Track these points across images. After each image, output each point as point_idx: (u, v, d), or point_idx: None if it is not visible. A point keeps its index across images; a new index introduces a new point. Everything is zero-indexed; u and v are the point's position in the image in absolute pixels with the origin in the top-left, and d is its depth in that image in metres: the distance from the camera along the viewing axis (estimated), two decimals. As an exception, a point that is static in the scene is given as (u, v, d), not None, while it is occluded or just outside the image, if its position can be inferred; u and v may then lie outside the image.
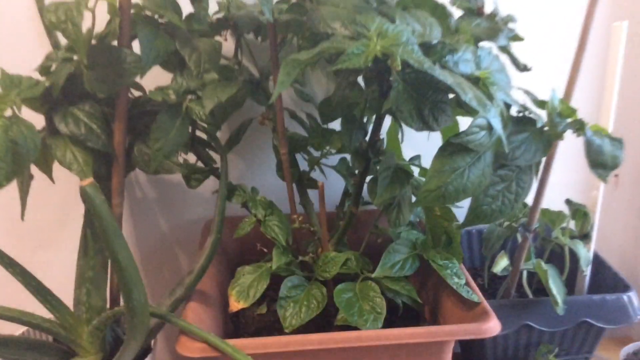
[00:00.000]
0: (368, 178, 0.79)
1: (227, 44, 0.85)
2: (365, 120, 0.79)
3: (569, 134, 0.70)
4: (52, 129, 0.71)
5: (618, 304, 0.88)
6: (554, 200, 0.97)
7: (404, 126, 0.86)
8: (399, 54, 0.56)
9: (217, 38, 0.79)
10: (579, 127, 0.67)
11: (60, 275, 0.80)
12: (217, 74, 0.73)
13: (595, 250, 0.98)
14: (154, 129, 0.70)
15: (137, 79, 0.74)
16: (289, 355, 0.68)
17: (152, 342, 0.80)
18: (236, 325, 0.86)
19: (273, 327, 0.85)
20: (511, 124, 0.65)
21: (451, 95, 0.63)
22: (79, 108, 0.71)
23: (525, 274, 0.94)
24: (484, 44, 0.73)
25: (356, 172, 0.83)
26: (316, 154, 0.86)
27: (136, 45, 0.71)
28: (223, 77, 0.73)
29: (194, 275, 0.76)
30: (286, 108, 0.87)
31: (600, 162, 0.65)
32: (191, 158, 0.85)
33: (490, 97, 0.59)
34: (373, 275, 0.77)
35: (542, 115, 0.69)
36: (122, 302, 0.75)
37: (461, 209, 0.73)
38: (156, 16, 0.73)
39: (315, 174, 0.87)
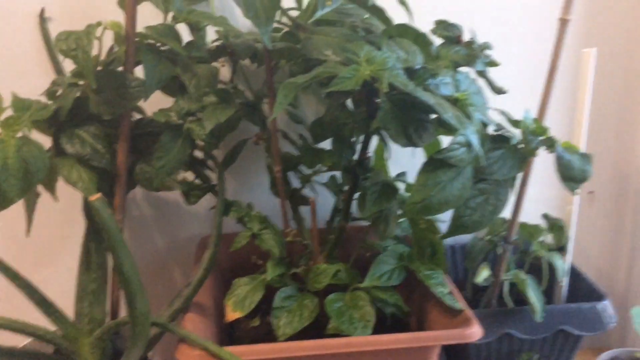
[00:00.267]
0: (357, 194, 0.84)
1: (223, 69, 0.90)
2: (354, 139, 0.84)
3: (544, 153, 0.76)
4: (59, 149, 0.75)
5: (593, 312, 0.93)
6: (532, 215, 1.03)
7: (390, 145, 0.92)
8: (386, 77, 0.61)
9: (214, 64, 0.84)
10: (550, 144, 0.73)
11: (59, 291, 0.83)
12: (216, 97, 0.78)
13: (572, 262, 1.04)
14: (158, 148, 0.74)
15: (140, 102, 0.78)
16: (284, 361, 0.72)
17: (150, 354, 0.83)
18: (231, 336, 0.89)
19: (266, 338, 0.88)
20: (488, 142, 0.71)
21: (433, 116, 0.69)
22: (85, 130, 0.75)
23: (506, 285, 0.99)
24: (463, 69, 0.79)
25: (345, 188, 0.88)
26: (307, 171, 0.91)
27: (139, 71, 0.76)
28: (221, 100, 0.78)
29: (191, 287, 0.79)
30: (278, 129, 0.92)
31: (570, 176, 0.71)
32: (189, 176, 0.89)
33: (469, 117, 0.65)
34: (362, 285, 0.81)
35: (517, 133, 0.75)
36: (120, 315, 0.78)
37: (445, 223, 0.78)
38: (158, 44, 0.78)
39: (307, 191, 0.92)
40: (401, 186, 0.91)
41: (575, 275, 1.03)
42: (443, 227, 0.81)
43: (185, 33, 0.81)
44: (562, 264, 0.97)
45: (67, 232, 1.02)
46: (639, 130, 1.12)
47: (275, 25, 0.79)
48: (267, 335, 0.88)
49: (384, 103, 0.65)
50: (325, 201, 0.95)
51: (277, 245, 0.82)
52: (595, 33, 1.06)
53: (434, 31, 0.83)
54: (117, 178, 0.78)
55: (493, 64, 0.81)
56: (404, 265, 0.84)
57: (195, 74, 0.77)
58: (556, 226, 0.98)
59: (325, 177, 0.93)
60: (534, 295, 0.89)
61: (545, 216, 1.00)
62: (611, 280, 1.21)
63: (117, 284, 0.83)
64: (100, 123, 0.76)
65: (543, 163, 0.83)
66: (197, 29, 0.81)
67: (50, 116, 0.72)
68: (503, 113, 0.80)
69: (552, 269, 0.96)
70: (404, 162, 1.01)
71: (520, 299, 0.94)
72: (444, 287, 0.81)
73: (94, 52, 0.72)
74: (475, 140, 0.63)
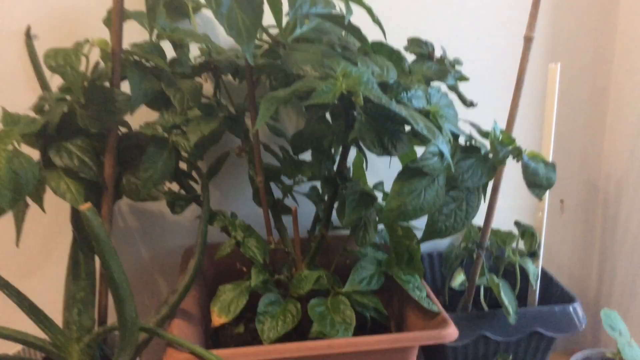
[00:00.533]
0: (336, 203, 0.88)
1: (206, 84, 0.94)
2: (333, 151, 0.88)
3: (516, 165, 0.80)
4: (47, 161, 0.77)
5: (564, 314, 0.97)
6: (505, 222, 1.08)
7: (367, 156, 0.95)
8: (361, 91, 0.65)
9: (197, 79, 0.87)
10: (517, 153, 0.77)
11: (47, 299, 0.85)
12: (200, 111, 0.81)
13: (544, 266, 1.08)
14: (144, 159, 0.77)
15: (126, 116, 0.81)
16: (268, 364, 0.75)
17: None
18: (216, 343, 0.92)
19: (251, 344, 0.91)
20: (459, 151, 0.75)
21: (407, 128, 0.73)
22: (72, 143, 0.78)
23: (482, 289, 1.03)
24: (435, 83, 0.84)
25: (326, 197, 0.92)
26: (289, 182, 0.94)
27: (125, 86, 0.79)
28: (205, 114, 0.82)
29: (177, 295, 0.82)
30: (260, 141, 0.96)
31: (536, 183, 0.75)
32: (174, 187, 0.92)
33: (440, 128, 0.69)
34: (343, 290, 0.84)
35: (486, 144, 0.80)
36: (108, 323, 0.80)
37: (421, 230, 0.82)
38: (143, 60, 0.81)
39: (289, 201, 0.95)
40: (379, 195, 0.95)
41: (547, 279, 1.08)
42: (419, 234, 0.84)
43: (169, 50, 0.84)
44: (534, 269, 1.01)
45: (54, 242, 1.03)
46: (605, 141, 1.18)
47: (256, 42, 0.83)
48: (252, 341, 0.90)
49: (360, 115, 0.69)
50: (306, 210, 0.99)
51: (261, 252, 0.85)
52: (561, 49, 1.12)
53: (407, 48, 0.88)
54: (104, 189, 0.81)
55: (463, 78, 0.86)
56: (382, 271, 0.87)
57: (179, 89, 0.80)
58: (527, 232, 1.03)
59: (306, 187, 0.97)
60: (507, 299, 0.93)
61: (517, 223, 1.05)
62: (583, 284, 1.26)
63: (104, 292, 0.85)
64: (87, 136, 0.78)
65: (514, 173, 0.88)
66: (180, 46, 0.84)
67: (39, 130, 0.75)
68: (473, 125, 0.85)
69: (525, 273, 1.01)
70: (382, 172, 1.06)
71: (496, 303, 0.98)
72: (421, 291, 0.84)
73: (81, 68, 0.75)
74: (445, 149, 0.67)
